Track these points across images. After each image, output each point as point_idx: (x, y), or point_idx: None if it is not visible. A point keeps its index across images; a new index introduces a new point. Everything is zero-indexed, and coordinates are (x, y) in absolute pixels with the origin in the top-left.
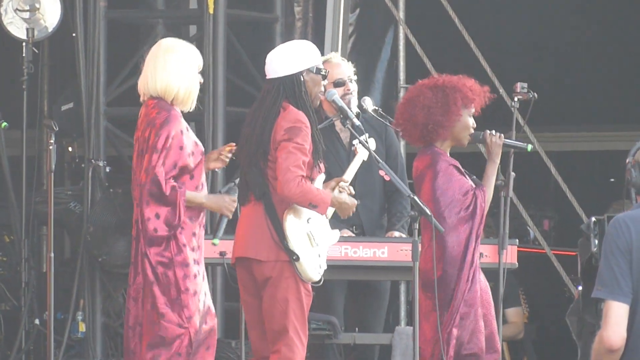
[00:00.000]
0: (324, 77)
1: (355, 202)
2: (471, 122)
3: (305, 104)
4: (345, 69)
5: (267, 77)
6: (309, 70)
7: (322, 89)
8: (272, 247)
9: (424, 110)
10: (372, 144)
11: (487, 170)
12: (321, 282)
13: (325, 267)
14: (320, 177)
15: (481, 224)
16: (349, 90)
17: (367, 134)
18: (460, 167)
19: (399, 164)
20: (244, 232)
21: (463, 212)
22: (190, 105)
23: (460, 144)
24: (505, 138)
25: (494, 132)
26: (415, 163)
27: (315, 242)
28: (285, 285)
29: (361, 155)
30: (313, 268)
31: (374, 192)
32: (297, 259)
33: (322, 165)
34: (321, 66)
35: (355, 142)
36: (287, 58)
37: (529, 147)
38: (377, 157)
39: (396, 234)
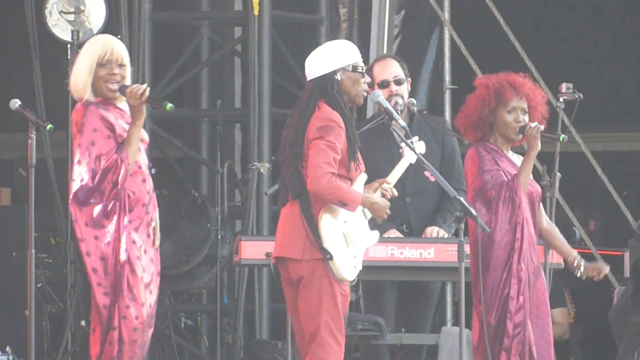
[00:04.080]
0: (363, 75)
1: (388, 204)
2: (511, 117)
3: (339, 103)
4: (391, 70)
5: (307, 80)
6: (344, 70)
7: (365, 86)
8: (307, 246)
9: (462, 111)
10: (421, 146)
11: (523, 161)
12: (354, 283)
13: (361, 268)
14: (362, 177)
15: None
16: (392, 91)
17: (417, 137)
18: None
19: (456, 165)
20: (282, 232)
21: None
22: (81, 93)
23: (510, 141)
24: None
25: (532, 124)
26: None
27: (351, 242)
28: (318, 285)
29: (408, 158)
30: (347, 268)
31: (425, 192)
32: (331, 257)
33: (361, 165)
34: (359, 64)
35: (402, 144)
36: (321, 58)
37: (561, 137)
38: (422, 157)
39: (429, 229)
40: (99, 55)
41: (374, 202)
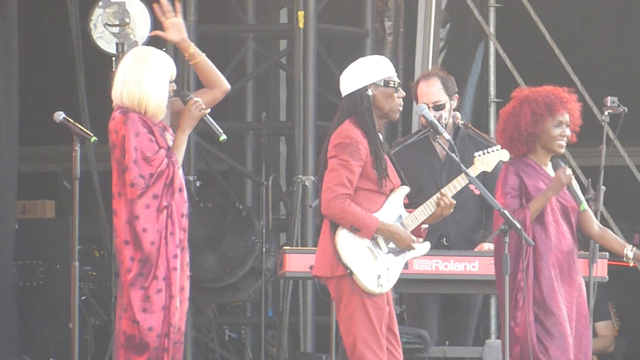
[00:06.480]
0: (396, 89)
1: (409, 236)
2: (558, 131)
3: (367, 119)
4: (433, 93)
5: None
6: (376, 85)
7: (400, 101)
8: (335, 262)
9: (509, 124)
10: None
11: (540, 195)
12: (381, 294)
13: (394, 282)
14: (402, 190)
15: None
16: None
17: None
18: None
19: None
20: (317, 250)
21: None
22: (162, 115)
23: (551, 153)
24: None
25: (568, 171)
26: None
27: (380, 255)
28: (349, 300)
29: (465, 179)
30: (371, 281)
31: (466, 206)
32: (351, 273)
33: (395, 180)
34: (392, 78)
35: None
36: (352, 75)
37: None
38: (466, 170)
39: (485, 246)
40: (172, 74)
41: (392, 232)
